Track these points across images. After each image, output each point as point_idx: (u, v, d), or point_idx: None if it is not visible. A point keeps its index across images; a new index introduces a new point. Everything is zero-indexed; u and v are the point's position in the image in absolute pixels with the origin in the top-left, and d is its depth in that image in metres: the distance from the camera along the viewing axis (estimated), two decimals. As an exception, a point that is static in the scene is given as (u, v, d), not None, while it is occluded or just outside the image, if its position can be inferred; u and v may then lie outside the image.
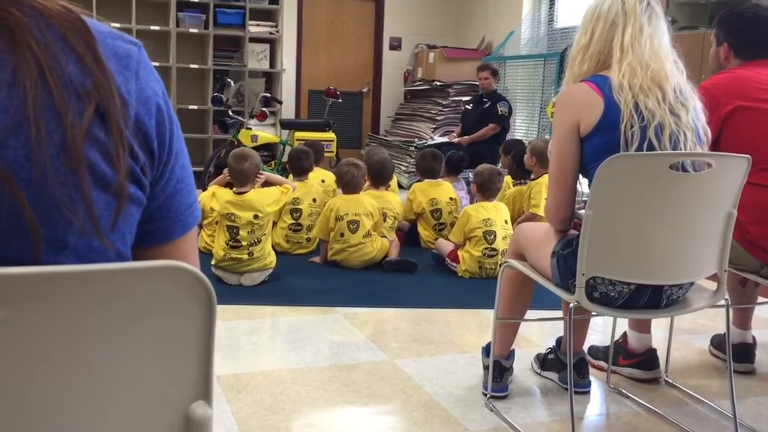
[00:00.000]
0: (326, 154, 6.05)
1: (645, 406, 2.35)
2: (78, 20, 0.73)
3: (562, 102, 2.04)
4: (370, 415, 2.25)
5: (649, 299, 1.97)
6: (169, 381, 0.73)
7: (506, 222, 4.07)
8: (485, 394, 2.35)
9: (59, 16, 0.71)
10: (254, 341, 2.90)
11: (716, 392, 2.48)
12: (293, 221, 4.41)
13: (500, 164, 5.38)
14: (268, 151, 7.52)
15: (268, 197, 3.80)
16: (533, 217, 4.41)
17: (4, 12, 0.68)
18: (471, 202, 4.58)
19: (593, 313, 2.18)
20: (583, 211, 1.92)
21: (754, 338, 2.72)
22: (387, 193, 4.62)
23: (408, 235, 4.69)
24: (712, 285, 2.07)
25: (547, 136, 6.31)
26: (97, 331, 0.67)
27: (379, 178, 4.61)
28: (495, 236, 3.94)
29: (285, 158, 5.52)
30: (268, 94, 7.57)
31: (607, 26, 2.02)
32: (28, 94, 0.67)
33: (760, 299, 2.83)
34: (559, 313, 2.61)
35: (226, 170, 4.17)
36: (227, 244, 3.65)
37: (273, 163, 6.92)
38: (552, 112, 4.22)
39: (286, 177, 4.74)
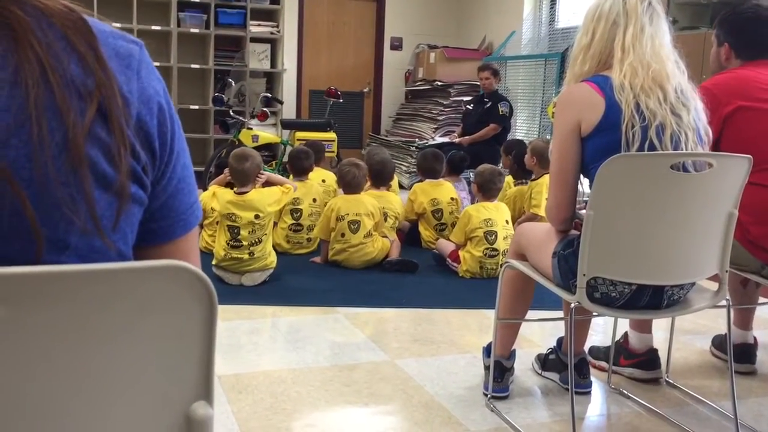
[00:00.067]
0: (327, 154, 6.05)
1: (646, 406, 2.35)
2: (80, 20, 0.73)
3: (563, 102, 2.04)
4: (370, 415, 2.25)
5: (650, 300, 1.96)
6: (170, 381, 0.73)
7: (507, 222, 4.07)
8: (486, 395, 2.35)
9: (61, 15, 0.71)
10: (255, 341, 2.90)
11: (717, 393, 2.48)
12: (294, 221, 4.41)
13: (501, 164, 5.39)
14: (269, 151, 7.52)
15: (269, 197, 3.80)
16: (534, 218, 4.41)
17: (6, 11, 0.69)
18: (472, 203, 4.57)
19: (594, 314, 2.18)
20: (584, 211, 1.92)
21: (755, 339, 2.72)
22: (387, 194, 4.62)
23: (409, 235, 4.69)
24: (713, 285, 2.07)
25: (548, 137, 6.30)
26: (98, 330, 0.67)
27: (380, 178, 4.61)
28: (496, 236, 3.94)
29: (286, 158, 5.52)
30: (269, 94, 7.58)
31: (608, 26, 2.02)
32: (30, 94, 0.67)
33: (762, 300, 2.82)
34: (560, 314, 2.61)
35: (226, 170, 4.17)
36: (228, 244, 3.65)
37: (274, 163, 6.93)
38: (553, 113, 4.23)
39: (287, 177, 4.74)
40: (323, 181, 4.98)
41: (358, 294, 3.61)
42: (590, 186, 1.91)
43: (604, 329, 3.12)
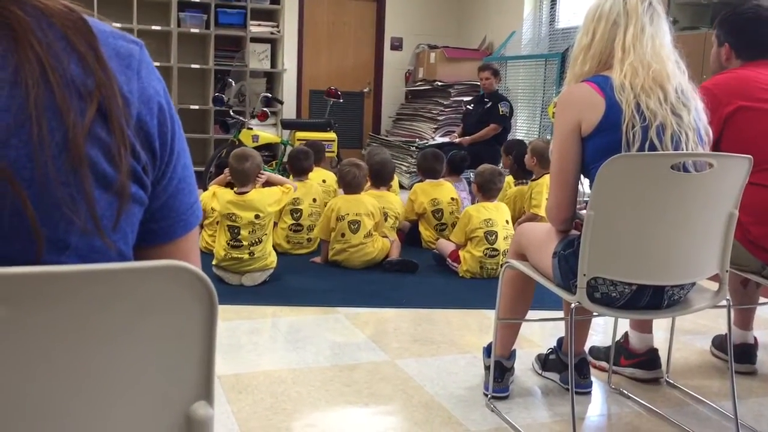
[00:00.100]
0: (327, 154, 6.05)
1: (646, 406, 2.35)
2: (80, 20, 0.72)
3: (563, 102, 2.04)
4: (371, 415, 2.25)
5: (651, 300, 1.96)
6: (171, 381, 0.72)
7: (507, 222, 4.07)
8: (486, 395, 2.35)
9: (61, 15, 0.71)
10: (255, 341, 2.90)
11: (717, 393, 2.48)
12: (294, 222, 4.41)
13: (501, 164, 5.39)
14: (269, 151, 7.52)
15: (269, 197, 3.80)
16: (534, 218, 4.41)
17: (6, 11, 0.68)
18: (473, 203, 4.58)
19: (594, 314, 2.18)
20: (584, 211, 1.92)
21: (755, 339, 2.72)
22: (387, 194, 4.62)
23: (409, 235, 4.69)
24: (714, 285, 2.07)
25: (548, 137, 6.30)
26: (98, 330, 0.67)
27: (380, 178, 4.61)
28: (496, 236, 3.94)
29: (286, 158, 5.53)
30: (269, 94, 7.57)
31: (608, 26, 2.02)
32: (30, 93, 0.67)
33: (762, 300, 2.82)
34: (561, 314, 2.61)
35: (226, 170, 4.17)
36: (228, 244, 3.65)
37: (274, 163, 6.93)
38: (553, 113, 4.23)
39: (287, 177, 4.74)
40: (324, 181, 4.98)
41: (358, 294, 3.61)
42: (590, 186, 1.90)
43: (604, 329, 3.12)
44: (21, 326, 0.63)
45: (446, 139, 7.04)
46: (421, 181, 4.88)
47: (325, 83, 8.09)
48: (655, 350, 2.56)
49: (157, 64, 5.98)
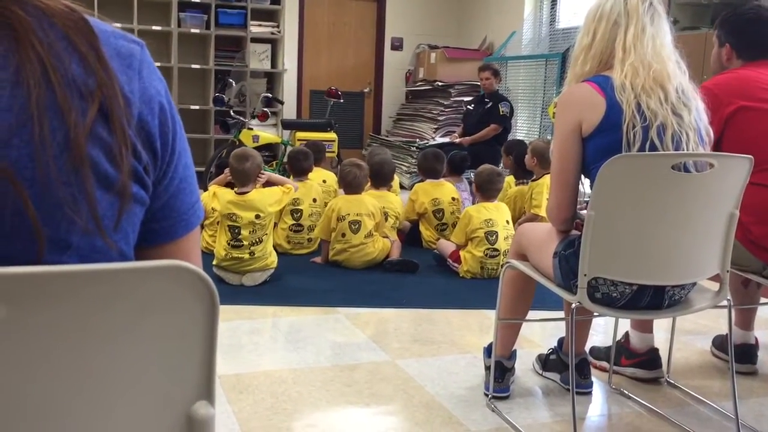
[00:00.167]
0: (328, 155, 6.05)
1: (647, 406, 2.35)
2: (81, 19, 0.72)
3: (564, 102, 2.04)
4: (371, 415, 2.25)
5: (651, 300, 1.96)
6: (172, 381, 0.72)
7: (508, 222, 4.07)
8: (487, 395, 2.35)
9: (62, 15, 0.71)
10: (256, 341, 2.90)
11: (718, 393, 2.48)
12: (294, 222, 4.41)
13: (501, 165, 5.39)
14: (269, 151, 7.52)
15: (269, 197, 3.80)
16: (535, 218, 4.41)
17: (7, 11, 0.68)
18: (473, 203, 4.58)
19: (595, 314, 2.18)
20: (584, 211, 1.92)
21: (756, 339, 2.72)
22: (388, 194, 4.62)
23: (409, 235, 4.69)
24: (715, 285, 2.07)
25: (548, 137, 6.30)
26: (99, 330, 0.67)
27: (380, 178, 4.61)
28: (497, 237, 3.94)
29: (286, 158, 5.53)
30: (270, 95, 7.57)
31: (609, 26, 2.02)
32: (32, 93, 0.67)
33: (763, 300, 2.82)
34: (561, 314, 2.61)
35: (227, 170, 4.17)
36: (229, 244, 3.65)
37: (274, 163, 6.93)
38: (553, 113, 4.22)
39: (287, 177, 4.74)
40: (324, 181, 4.98)
41: (358, 294, 3.61)
42: (591, 186, 1.90)
43: (604, 329, 3.12)
44: (22, 326, 0.63)
45: (447, 140, 7.04)
46: (421, 181, 4.88)
47: (326, 83, 8.09)
48: (656, 350, 2.56)
49: (158, 64, 5.98)
